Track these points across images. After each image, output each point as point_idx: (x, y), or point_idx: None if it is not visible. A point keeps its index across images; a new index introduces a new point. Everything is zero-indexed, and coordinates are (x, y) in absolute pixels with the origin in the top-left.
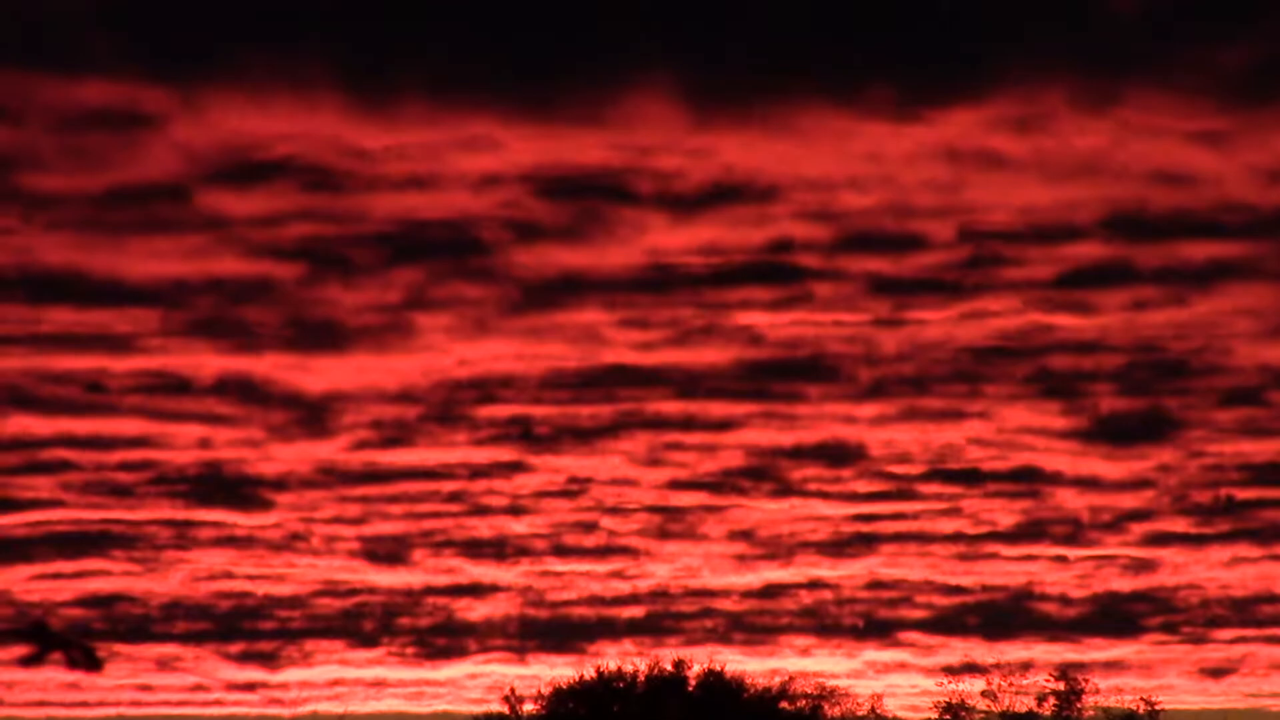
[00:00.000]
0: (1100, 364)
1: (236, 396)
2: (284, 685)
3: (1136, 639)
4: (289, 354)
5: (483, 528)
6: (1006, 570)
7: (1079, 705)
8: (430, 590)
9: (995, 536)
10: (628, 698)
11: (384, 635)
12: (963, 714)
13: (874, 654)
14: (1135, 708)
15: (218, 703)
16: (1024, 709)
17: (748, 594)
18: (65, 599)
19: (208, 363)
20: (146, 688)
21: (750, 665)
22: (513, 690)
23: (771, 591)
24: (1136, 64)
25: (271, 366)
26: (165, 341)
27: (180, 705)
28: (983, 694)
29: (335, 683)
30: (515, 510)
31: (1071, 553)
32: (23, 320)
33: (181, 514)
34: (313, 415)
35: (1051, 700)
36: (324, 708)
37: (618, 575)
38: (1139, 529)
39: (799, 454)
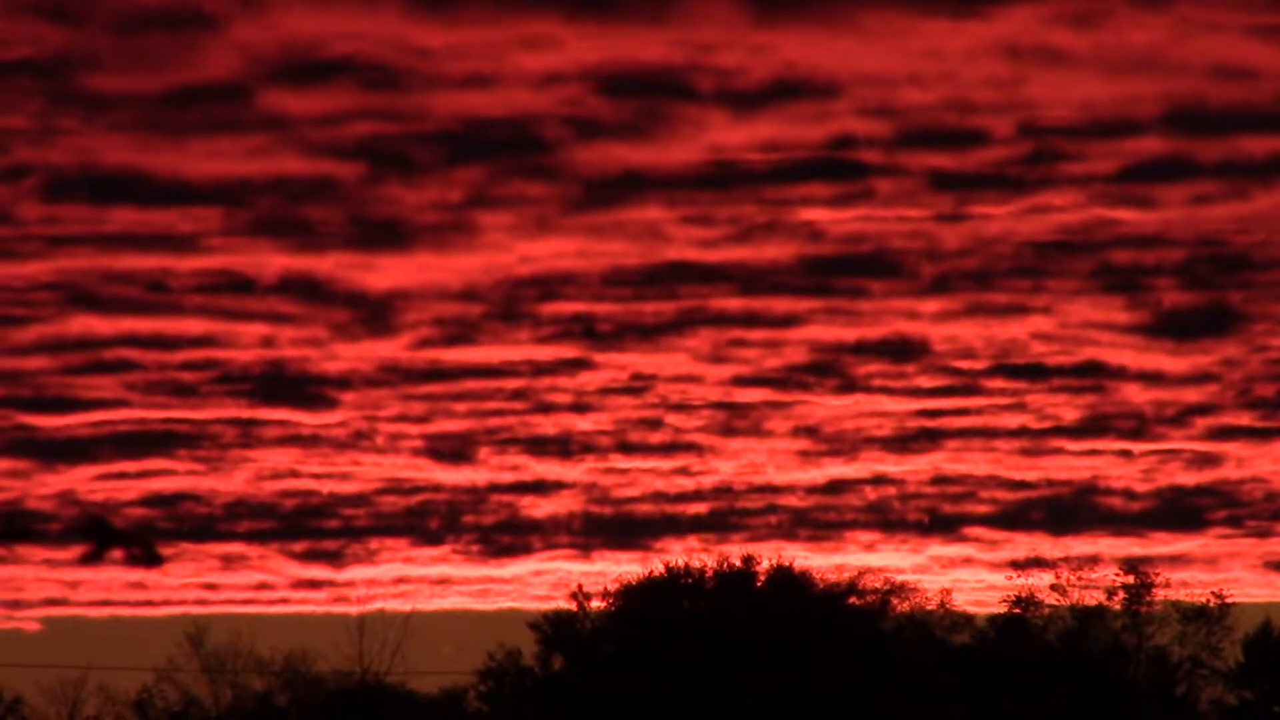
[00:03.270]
0: (1162, 258)
1: (299, 295)
2: (350, 583)
3: (1201, 533)
4: (351, 253)
5: (547, 425)
6: (1071, 465)
7: (1148, 599)
8: (495, 488)
9: (1060, 431)
10: (697, 594)
11: (449, 533)
12: (1031, 608)
13: (939, 549)
14: (1206, 601)
15: (283, 601)
16: (1093, 602)
17: (812, 490)
18: (130, 498)
19: (271, 262)
20: (212, 586)
21: (816, 561)
22: (580, 587)
23: (836, 487)
24: None
25: (334, 265)
26: (228, 241)
27: (246, 604)
28: (1051, 588)
29: (400, 580)
30: (579, 407)
31: (1136, 447)
32: (85, 220)
33: (246, 413)
34: (376, 314)
35: (1121, 594)
36: (390, 605)
37: (682, 472)
38: (1203, 423)
39: (862, 350)
